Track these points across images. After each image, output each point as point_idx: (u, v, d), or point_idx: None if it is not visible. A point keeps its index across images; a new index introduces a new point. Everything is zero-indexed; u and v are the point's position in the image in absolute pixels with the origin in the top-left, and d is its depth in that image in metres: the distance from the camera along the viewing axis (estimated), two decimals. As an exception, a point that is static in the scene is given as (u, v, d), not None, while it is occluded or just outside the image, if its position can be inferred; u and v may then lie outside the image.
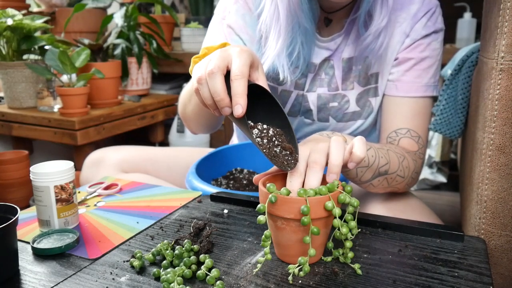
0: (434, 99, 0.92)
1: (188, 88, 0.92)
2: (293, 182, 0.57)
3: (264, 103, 0.60)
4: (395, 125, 0.88)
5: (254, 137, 0.57)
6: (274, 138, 0.59)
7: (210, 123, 0.96)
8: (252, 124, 0.59)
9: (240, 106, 0.54)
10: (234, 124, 1.16)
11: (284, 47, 0.83)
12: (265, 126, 0.60)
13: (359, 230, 0.66)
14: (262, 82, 0.61)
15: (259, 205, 0.53)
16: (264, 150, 0.56)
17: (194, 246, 0.60)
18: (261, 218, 0.52)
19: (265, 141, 0.58)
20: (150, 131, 2.09)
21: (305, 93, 0.93)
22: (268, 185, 0.55)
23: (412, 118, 0.88)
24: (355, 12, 0.85)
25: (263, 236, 0.52)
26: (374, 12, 0.81)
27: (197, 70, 0.60)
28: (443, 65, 1.31)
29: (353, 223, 0.54)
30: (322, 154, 0.58)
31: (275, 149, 0.58)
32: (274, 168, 0.63)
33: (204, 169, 0.94)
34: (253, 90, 0.58)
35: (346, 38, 0.89)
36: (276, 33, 0.83)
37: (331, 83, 0.91)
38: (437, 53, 0.88)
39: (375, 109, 0.93)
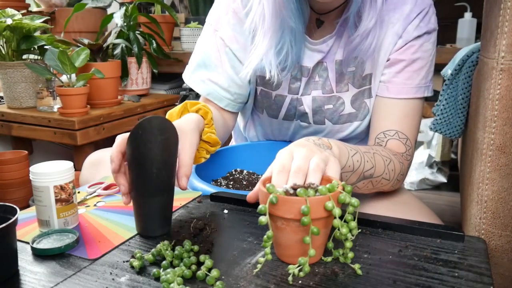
0: (427, 98, 0.92)
1: None
2: (279, 181, 0.57)
3: None
4: (384, 126, 0.88)
5: None
6: None
7: (221, 136, 0.96)
8: None
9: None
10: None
11: (272, 46, 0.84)
12: None
13: (359, 230, 0.65)
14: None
15: (260, 206, 0.53)
16: None
17: (194, 246, 0.60)
18: (262, 219, 0.52)
19: None
20: (150, 131, 2.08)
21: (300, 96, 0.93)
22: (267, 185, 0.55)
23: (401, 119, 0.88)
24: (345, 14, 0.85)
25: (265, 236, 0.52)
26: (363, 13, 0.81)
27: None
28: (443, 65, 1.31)
29: (353, 224, 0.54)
30: (306, 161, 0.59)
31: None
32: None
33: (204, 169, 0.93)
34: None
35: (338, 40, 0.88)
36: (262, 32, 0.83)
37: (325, 86, 0.91)
38: (429, 54, 0.88)
39: (371, 110, 0.92)
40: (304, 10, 0.83)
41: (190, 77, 0.96)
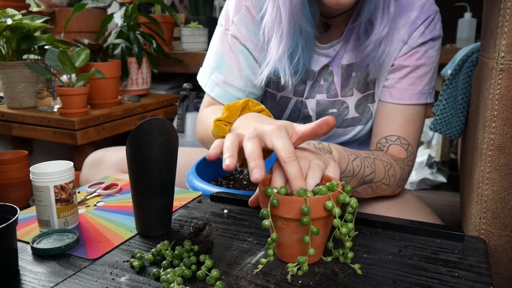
0: (429, 105, 0.92)
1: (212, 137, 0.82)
2: (278, 181, 0.57)
3: None
4: (386, 132, 0.88)
5: None
6: None
7: None
8: None
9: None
10: None
11: (286, 50, 0.82)
12: None
13: (358, 232, 0.66)
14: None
15: (262, 210, 0.53)
16: None
17: (194, 246, 0.60)
18: (265, 222, 0.53)
19: None
20: (150, 131, 2.08)
21: (304, 99, 0.93)
22: (266, 189, 0.54)
23: (403, 125, 0.88)
24: (355, 19, 0.84)
25: (269, 239, 0.53)
26: (375, 20, 0.80)
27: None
28: (443, 65, 1.31)
29: (350, 225, 0.54)
30: (306, 161, 0.59)
31: None
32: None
33: (204, 169, 0.93)
34: None
35: (345, 45, 0.88)
36: (278, 37, 0.82)
37: (330, 90, 0.91)
38: (433, 61, 0.88)
39: (374, 115, 0.92)
40: (315, 14, 0.82)
41: (207, 82, 0.94)
